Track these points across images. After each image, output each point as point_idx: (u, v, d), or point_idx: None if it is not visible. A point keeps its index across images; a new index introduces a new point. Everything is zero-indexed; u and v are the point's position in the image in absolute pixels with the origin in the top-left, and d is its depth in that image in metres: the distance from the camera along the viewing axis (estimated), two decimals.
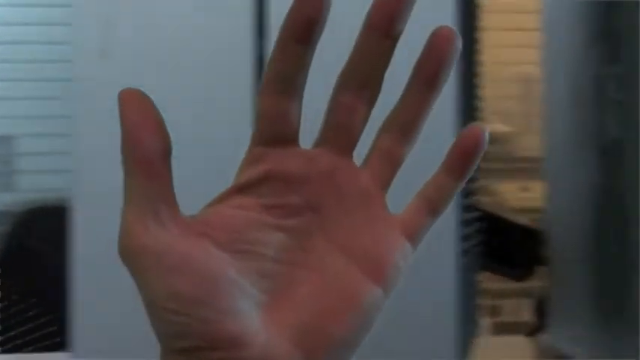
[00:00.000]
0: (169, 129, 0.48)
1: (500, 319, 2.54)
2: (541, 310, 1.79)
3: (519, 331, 2.05)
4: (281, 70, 0.49)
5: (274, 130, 0.51)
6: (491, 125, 2.27)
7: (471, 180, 1.37)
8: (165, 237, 0.48)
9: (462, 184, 0.53)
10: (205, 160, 0.99)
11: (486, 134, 0.52)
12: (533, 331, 1.87)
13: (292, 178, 0.51)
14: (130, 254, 0.48)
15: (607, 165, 1.20)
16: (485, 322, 2.37)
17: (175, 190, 0.49)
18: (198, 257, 0.48)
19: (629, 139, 1.10)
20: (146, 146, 0.48)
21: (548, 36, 1.72)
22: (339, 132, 0.52)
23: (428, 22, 0.97)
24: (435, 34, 0.51)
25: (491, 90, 1.82)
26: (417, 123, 0.53)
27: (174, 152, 0.49)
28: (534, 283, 1.92)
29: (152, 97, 0.49)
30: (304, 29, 0.48)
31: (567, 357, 1.55)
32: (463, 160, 0.52)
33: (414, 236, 0.53)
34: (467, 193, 1.26)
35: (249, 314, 0.48)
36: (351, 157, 0.52)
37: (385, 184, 0.53)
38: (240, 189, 0.51)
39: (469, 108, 1.35)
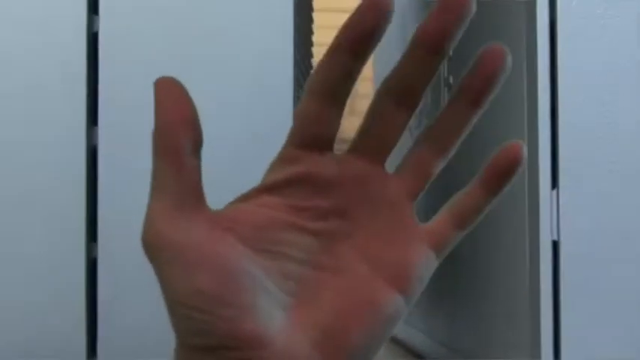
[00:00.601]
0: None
1: None
2: None
3: None
4: (330, 78, 0.49)
5: (313, 134, 0.50)
6: None
7: None
8: (190, 231, 0.47)
9: (494, 200, 0.53)
10: (37, 131, 0.96)
11: (524, 150, 0.53)
12: None
13: (322, 182, 0.50)
14: (154, 246, 0.47)
15: None
16: None
17: None
18: (223, 253, 0.47)
19: None
20: (179, 138, 0.47)
21: None
22: (375, 140, 0.52)
23: (267, 9, 0.96)
24: (485, 52, 0.50)
25: None
26: (456, 138, 0.53)
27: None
28: None
29: None
30: (361, 41, 0.48)
31: (398, 338, 1.56)
32: (501, 176, 0.53)
33: (440, 248, 0.53)
34: None
35: (272, 314, 0.48)
36: (384, 165, 0.52)
37: (415, 194, 0.53)
38: (269, 189, 0.50)
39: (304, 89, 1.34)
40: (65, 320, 0.93)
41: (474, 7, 0.48)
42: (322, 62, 0.49)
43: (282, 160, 0.51)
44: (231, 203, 0.51)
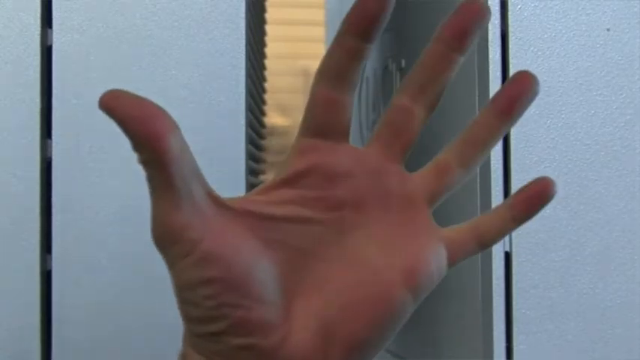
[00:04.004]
0: None
1: None
2: None
3: None
4: (338, 63, 0.49)
5: (326, 122, 0.50)
6: (271, 118, 2.29)
7: (256, 173, 1.37)
8: (200, 221, 0.47)
9: (517, 227, 0.54)
10: None
11: (555, 188, 0.53)
12: None
13: (338, 173, 0.51)
14: (164, 241, 0.47)
15: None
16: None
17: None
18: (233, 244, 0.47)
19: None
20: (154, 122, 0.45)
21: (332, 30, 1.73)
22: (392, 133, 0.52)
23: (219, 13, 0.96)
24: (519, 76, 0.52)
25: (271, 83, 1.83)
26: (481, 152, 0.53)
27: None
28: None
29: None
30: (367, 25, 0.49)
31: None
32: (529, 205, 0.53)
33: (454, 256, 0.53)
34: (252, 186, 1.25)
35: (277, 303, 0.48)
36: (401, 162, 0.52)
37: (433, 198, 0.53)
38: (285, 181, 0.50)
39: (256, 101, 1.35)
40: (19, 333, 0.92)
41: (489, 13, 0.50)
42: (332, 50, 0.50)
43: (297, 150, 0.51)
44: (247, 194, 0.51)
